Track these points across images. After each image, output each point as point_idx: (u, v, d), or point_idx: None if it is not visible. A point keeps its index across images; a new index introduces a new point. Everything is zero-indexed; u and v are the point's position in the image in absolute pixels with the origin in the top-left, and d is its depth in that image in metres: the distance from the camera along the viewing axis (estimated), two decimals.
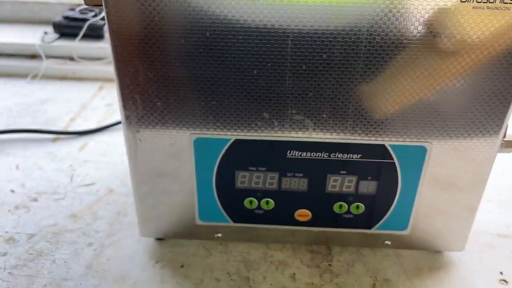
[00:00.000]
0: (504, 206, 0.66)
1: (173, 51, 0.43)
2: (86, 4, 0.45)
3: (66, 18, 1.09)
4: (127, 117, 0.47)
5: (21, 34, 1.11)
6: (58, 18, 1.10)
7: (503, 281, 0.53)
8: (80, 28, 1.05)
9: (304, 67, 0.43)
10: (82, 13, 1.10)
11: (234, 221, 0.54)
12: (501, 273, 0.54)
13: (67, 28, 1.08)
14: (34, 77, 1.03)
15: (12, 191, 0.67)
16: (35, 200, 0.65)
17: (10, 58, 1.07)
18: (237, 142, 0.48)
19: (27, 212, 0.63)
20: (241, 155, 0.49)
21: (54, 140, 0.81)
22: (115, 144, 0.79)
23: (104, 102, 0.94)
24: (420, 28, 0.41)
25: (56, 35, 1.10)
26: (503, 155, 0.54)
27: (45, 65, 1.04)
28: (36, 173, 0.71)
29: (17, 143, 0.80)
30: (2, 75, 1.05)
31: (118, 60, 0.44)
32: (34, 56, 1.08)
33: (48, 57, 1.06)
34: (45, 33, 1.10)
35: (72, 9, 1.12)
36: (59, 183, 0.69)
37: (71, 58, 1.06)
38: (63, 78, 1.05)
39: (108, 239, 0.59)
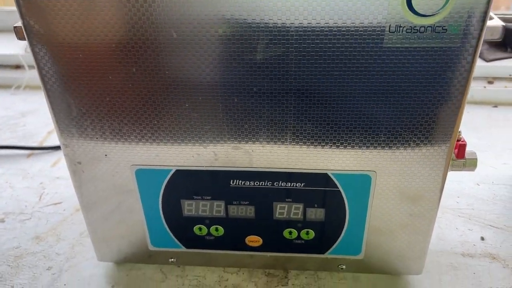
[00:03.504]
0: (474, 221, 0.64)
1: (102, 86, 0.42)
2: (18, 39, 0.45)
3: None
4: (66, 150, 0.47)
5: (6, 44, 1.12)
6: None
7: None
8: None
9: (236, 99, 0.42)
10: None
11: (186, 247, 0.54)
12: None
13: None
14: (18, 88, 1.04)
15: None
16: (2, 221, 0.66)
17: None
18: (179, 172, 0.48)
19: None
20: (184, 184, 0.49)
21: (29, 155, 0.82)
22: None
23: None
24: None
25: None
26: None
27: (28, 75, 1.04)
28: (6, 191, 0.72)
29: None
30: None
31: (50, 96, 0.44)
32: (18, 67, 1.08)
33: (32, 67, 1.06)
34: None
35: None
36: (28, 202, 0.70)
37: None
38: None
39: (68, 263, 0.59)
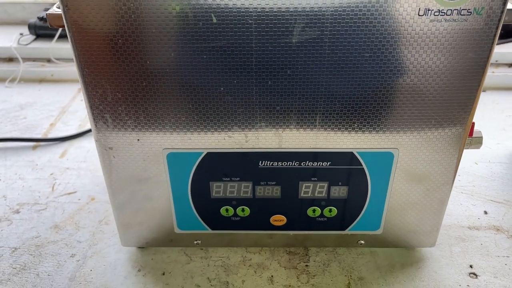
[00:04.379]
0: (477, 197, 0.68)
1: (140, 72, 0.44)
2: (50, 26, 0.45)
3: (42, 19, 1.08)
4: (98, 136, 0.48)
5: None
6: (33, 19, 1.09)
7: (472, 275, 0.55)
8: (56, 28, 1.04)
9: (269, 82, 0.44)
10: (58, 6, 1.09)
11: (212, 229, 0.56)
12: (471, 266, 0.56)
13: (43, 29, 1.07)
14: (13, 81, 1.03)
15: None
16: (17, 212, 0.66)
17: None
18: (209, 155, 0.49)
19: (10, 225, 0.64)
20: (214, 167, 0.50)
21: (34, 147, 0.81)
22: (95, 149, 0.79)
23: (83, 104, 0.94)
24: (381, 38, 0.41)
25: (32, 37, 1.09)
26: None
27: (23, 68, 1.03)
28: (17, 183, 0.72)
29: None
30: None
31: (86, 82, 0.44)
32: (11, 59, 1.07)
33: (25, 59, 1.05)
34: (21, 34, 1.09)
35: (47, 9, 1.10)
36: (41, 193, 0.70)
37: (49, 60, 1.06)
38: (42, 80, 1.04)
39: (91, 249, 0.60)
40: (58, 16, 0.43)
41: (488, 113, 0.91)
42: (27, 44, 1.06)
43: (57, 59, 1.05)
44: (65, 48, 1.05)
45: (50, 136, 0.84)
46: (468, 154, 0.76)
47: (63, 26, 0.43)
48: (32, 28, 1.08)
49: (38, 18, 1.08)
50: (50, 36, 1.06)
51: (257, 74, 0.44)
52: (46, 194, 0.70)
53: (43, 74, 1.04)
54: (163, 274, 0.56)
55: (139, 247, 0.60)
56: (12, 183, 0.72)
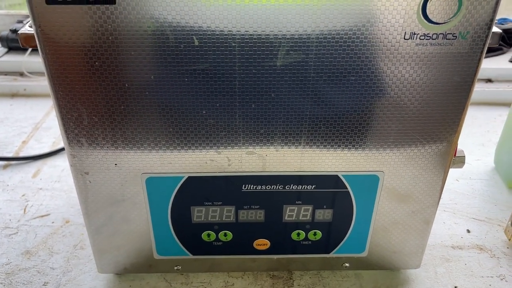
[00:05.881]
0: (459, 215, 0.68)
1: (117, 95, 0.42)
2: (22, 46, 0.43)
3: (14, 31, 1.04)
4: (74, 161, 0.46)
5: None
6: (5, 31, 1.05)
7: None
8: None
9: (253, 105, 0.43)
10: (31, 25, 1.05)
11: (193, 254, 0.54)
12: (455, 287, 0.56)
13: (16, 42, 1.04)
14: None
15: None
16: None
17: None
18: (191, 179, 0.47)
19: None
20: (196, 191, 0.48)
21: (5, 167, 0.78)
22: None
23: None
24: (365, 59, 0.41)
25: (4, 50, 1.05)
26: None
27: None
28: None
29: None
30: None
31: (60, 105, 0.42)
32: None
33: None
34: None
35: (20, 22, 1.07)
36: (12, 216, 0.67)
37: (21, 74, 1.02)
38: (14, 95, 1.01)
39: (65, 277, 0.57)
40: (30, 36, 0.41)
41: (466, 128, 0.91)
42: None
43: (30, 72, 1.02)
44: (39, 61, 1.00)
45: (22, 154, 0.81)
46: (449, 171, 0.76)
47: (36, 47, 0.41)
48: (4, 40, 1.04)
49: (11, 30, 1.04)
50: (22, 49, 1.03)
51: (240, 97, 0.42)
52: (18, 217, 0.66)
53: (15, 89, 1.01)
54: None
55: (117, 274, 0.57)
56: None
